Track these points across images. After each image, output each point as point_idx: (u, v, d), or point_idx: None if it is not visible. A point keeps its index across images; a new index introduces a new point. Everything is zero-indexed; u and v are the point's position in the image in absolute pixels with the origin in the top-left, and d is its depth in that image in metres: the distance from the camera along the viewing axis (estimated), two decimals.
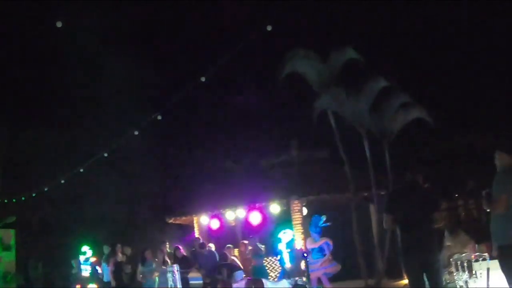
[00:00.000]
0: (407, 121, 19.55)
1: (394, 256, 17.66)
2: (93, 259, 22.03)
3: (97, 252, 22.30)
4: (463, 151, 23.60)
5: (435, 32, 24.17)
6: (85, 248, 22.53)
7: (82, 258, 22.43)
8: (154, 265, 18.71)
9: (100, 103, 25.84)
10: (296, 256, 18.33)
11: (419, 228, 8.79)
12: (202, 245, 19.19)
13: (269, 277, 18.58)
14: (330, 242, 18.27)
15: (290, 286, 16.96)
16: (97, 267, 21.52)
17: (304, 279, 16.95)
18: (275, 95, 23.19)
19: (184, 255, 18.89)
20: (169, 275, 17.61)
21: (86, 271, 21.73)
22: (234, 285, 17.20)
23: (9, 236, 22.40)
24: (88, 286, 21.35)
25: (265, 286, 16.76)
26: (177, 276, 17.39)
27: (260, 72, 24.36)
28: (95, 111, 26.50)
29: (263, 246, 18.92)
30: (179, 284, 17.53)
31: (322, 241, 18.17)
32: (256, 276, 17.50)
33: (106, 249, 20.72)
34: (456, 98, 23.96)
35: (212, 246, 19.37)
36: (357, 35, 22.90)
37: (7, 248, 22.21)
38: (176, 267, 17.52)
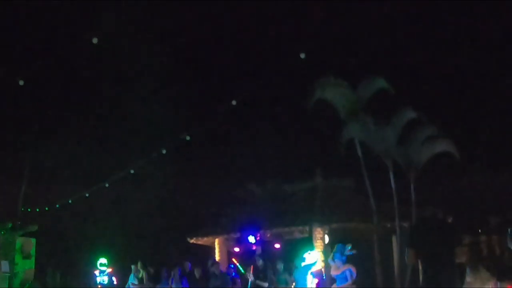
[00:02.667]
0: (433, 154, 19.50)
1: None
2: (109, 270, 22.12)
3: (113, 263, 22.39)
4: (488, 187, 23.47)
5: (465, 66, 24.18)
6: (102, 260, 22.60)
7: (99, 270, 22.51)
8: (169, 284, 18.84)
9: (128, 120, 26.10)
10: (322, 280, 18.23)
11: (441, 263, 8.73)
12: (216, 266, 19.13)
13: None
14: (353, 270, 18.11)
15: None
16: (113, 278, 21.67)
17: None
18: (304, 122, 23.29)
19: (201, 275, 18.93)
20: None
21: (103, 282, 21.84)
22: None
23: (30, 244, 22.54)
24: None
25: None
26: None
27: (290, 98, 24.44)
28: (123, 128, 26.76)
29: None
30: None
31: (344, 268, 18.00)
32: None
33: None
34: (483, 133, 23.91)
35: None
36: (388, 66, 22.97)
37: (27, 256, 22.34)
38: None
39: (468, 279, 13.58)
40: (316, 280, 17.08)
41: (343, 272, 17.73)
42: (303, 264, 18.13)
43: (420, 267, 9.10)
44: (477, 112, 24.18)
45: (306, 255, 18.27)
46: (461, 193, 23.45)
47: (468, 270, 13.76)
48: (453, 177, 23.68)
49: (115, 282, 21.60)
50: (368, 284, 18.85)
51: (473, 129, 24.08)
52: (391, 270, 19.64)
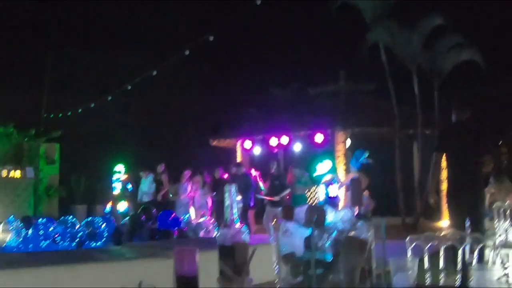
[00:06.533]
0: (458, 61, 19.29)
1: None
2: (123, 177, 22.17)
3: (129, 170, 22.44)
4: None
5: None
6: (119, 166, 22.67)
7: (116, 176, 22.59)
8: (187, 186, 18.94)
9: (150, 22, 25.87)
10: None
11: (469, 169, 8.60)
12: (239, 168, 19.08)
13: None
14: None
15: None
16: (129, 185, 21.73)
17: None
18: (328, 24, 22.93)
19: (221, 177, 18.98)
20: (226, 194, 17.78)
21: (116, 189, 21.93)
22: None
23: (54, 150, 22.56)
24: (119, 204, 21.61)
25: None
26: (234, 196, 17.53)
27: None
28: (144, 30, 26.56)
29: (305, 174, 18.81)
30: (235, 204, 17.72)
31: (351, 175, 17.96)
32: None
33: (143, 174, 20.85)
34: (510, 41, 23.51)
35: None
36: None
37: (51, 162, 22.40)
38: (234, 187, 17.62)
39: (492, 189, 13.54)
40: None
41: (351, 180, 17.72)
42: (315, 174, 18.20)
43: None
44: (504, 20, 23.69)
45: (318, 165, 18.32)
46: (484, 102, 23.24)
47: (491, 180, 13.71)
48: (477, 86, 23.42)
49: (132, 189, 21.60)
50: (388, 189, 18.91)
51: (499, 36, 23.66)
52: (412, 176, 19.70)
